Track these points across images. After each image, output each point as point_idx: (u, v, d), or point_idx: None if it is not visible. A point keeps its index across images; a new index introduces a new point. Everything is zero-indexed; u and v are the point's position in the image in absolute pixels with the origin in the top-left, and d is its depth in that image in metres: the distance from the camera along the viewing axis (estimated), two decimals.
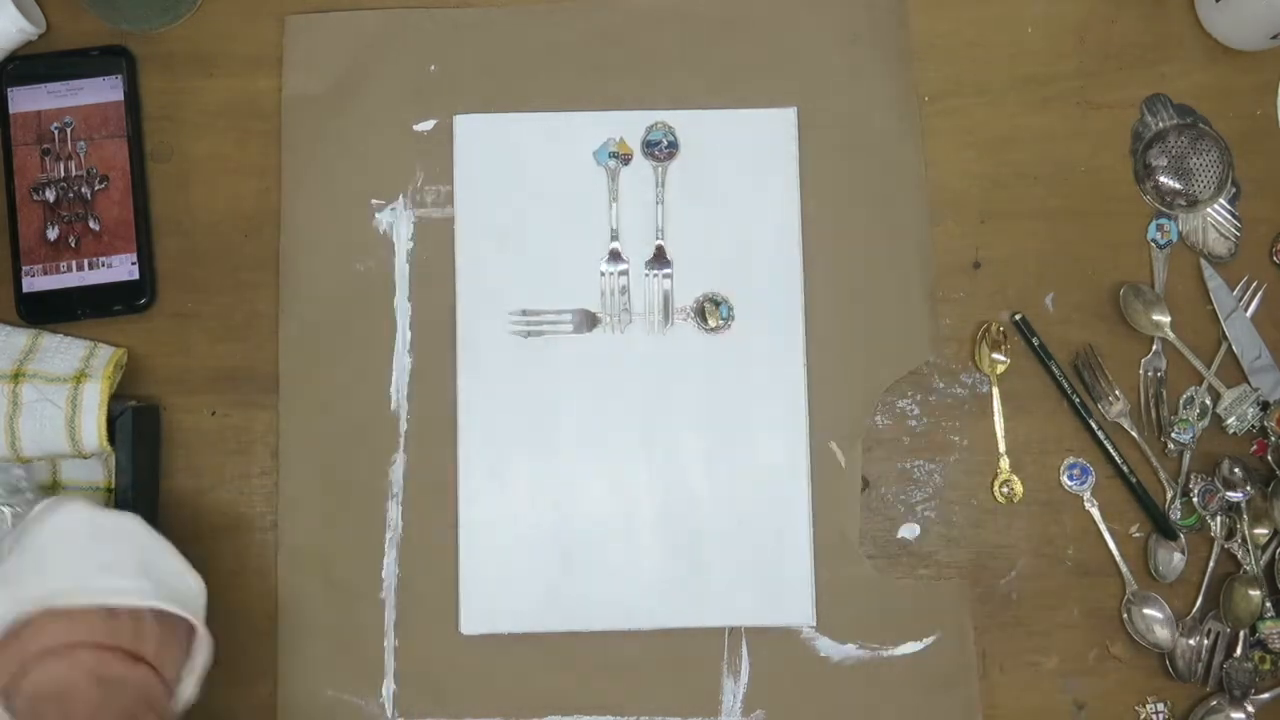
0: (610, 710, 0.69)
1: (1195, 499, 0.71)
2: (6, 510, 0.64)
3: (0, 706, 0.53)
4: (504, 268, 0.72)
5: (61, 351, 0.69)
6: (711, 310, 0.71)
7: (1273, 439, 0.72)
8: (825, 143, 0.73)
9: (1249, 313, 0.73)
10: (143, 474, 0.68)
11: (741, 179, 0.73)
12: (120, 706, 0.53)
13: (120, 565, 0.57)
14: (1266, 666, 0.70)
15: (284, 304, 0.71)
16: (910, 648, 0.70)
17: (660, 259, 0.72)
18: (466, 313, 0.71)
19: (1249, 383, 0.72)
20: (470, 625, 0.69)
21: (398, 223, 0.72)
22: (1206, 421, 0.72)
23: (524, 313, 0.71)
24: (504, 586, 0.69)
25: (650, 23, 0.74)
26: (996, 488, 0.72)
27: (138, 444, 0.68)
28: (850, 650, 0.69)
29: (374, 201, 0.72)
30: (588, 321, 0.71)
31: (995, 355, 0.72)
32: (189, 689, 0.58)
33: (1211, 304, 0.73)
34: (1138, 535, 0.72)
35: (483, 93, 0.73)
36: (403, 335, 0.71)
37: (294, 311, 0.71)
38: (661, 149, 0.72)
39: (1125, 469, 0.71)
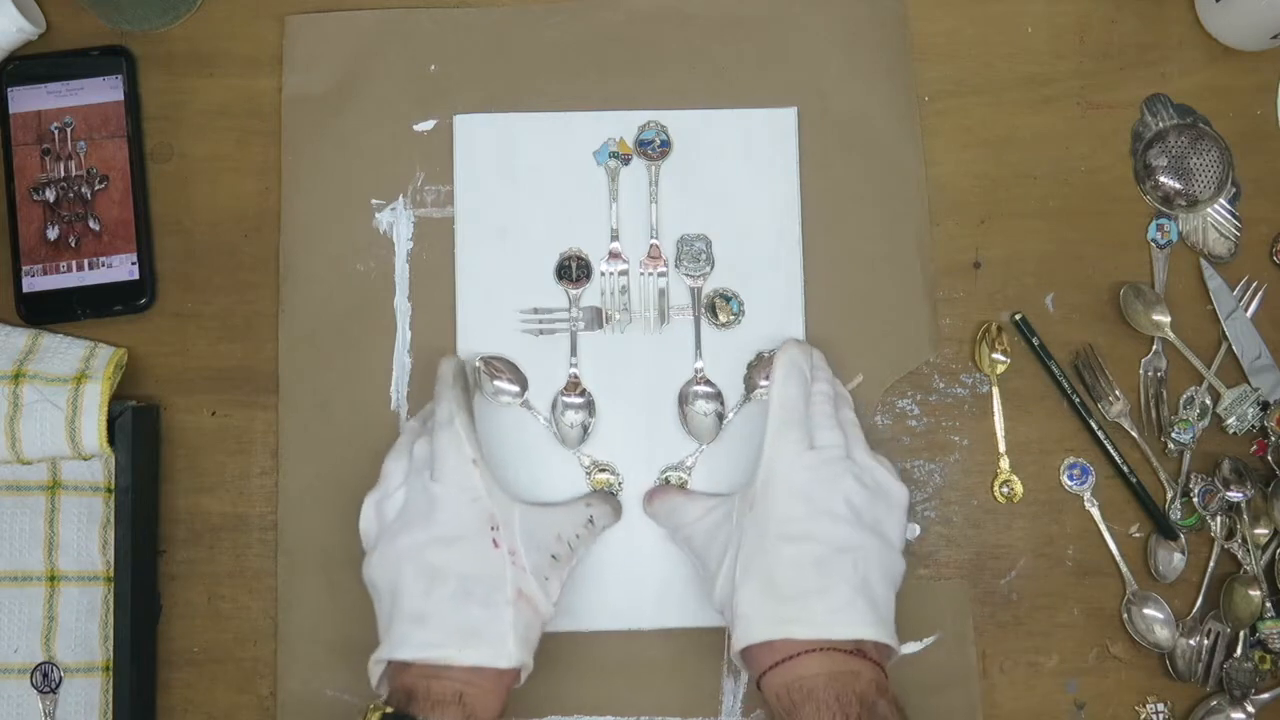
0: (610, 710, 0.69)
1: (1195, 499, 0.71)
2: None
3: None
4: (504, 268, 0.72)
5: (61, 352, 0.69)
6: (722, 305, 0.71)
7: (1273, 439, 0.72)
8: (825, 143, 0.73)
9: (1249, 313, 0.73)
10: (143, 474, 0.68)
11: (741, 179, 0.73)
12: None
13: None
14: (1266, 666, 0.70)
15: (284, 304, 0.71)
16: (910, 648, 0.69)
17: (655, 258, 0.72)
18: (466, 313, 0.71)
19: (1249, 383, 0.72)
20: None
21: (398, 223, 0.72)
22: (1206, 421, 0.72)
23: (535, 310, 0.71)
24: None
25: (650, 23, 0.74)
26: (996, 488, 0.72)
27: (138, 444, 0.68)
28: None
29: (374, 201, 0.72)
30: (597, 319, 0.71)
31: (995, 355, 0.72)
32: None
33: (1211, 304, 0.73)
34: (1138, 535, 0.72)
35: (483, 93, 0.73)
36: (403, 335, 0.71)
37: (294, 311, 0.71)
38: (654, 148, 0.72)
39: (1125, 469, 0.71)
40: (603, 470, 0.70)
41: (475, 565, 0.60)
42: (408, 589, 0.60)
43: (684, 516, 0.66)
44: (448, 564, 0.60)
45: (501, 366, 0.70)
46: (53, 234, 0.71)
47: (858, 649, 0.58)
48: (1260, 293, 0.74)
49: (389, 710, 0.56)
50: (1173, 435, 0.72)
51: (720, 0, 0.74)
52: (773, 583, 0.59)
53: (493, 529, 0.61)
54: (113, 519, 0.68)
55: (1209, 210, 0.74)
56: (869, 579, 0.60)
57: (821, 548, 0.59)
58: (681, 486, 0.70)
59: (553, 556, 0.62)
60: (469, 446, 0.62)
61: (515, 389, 0.70)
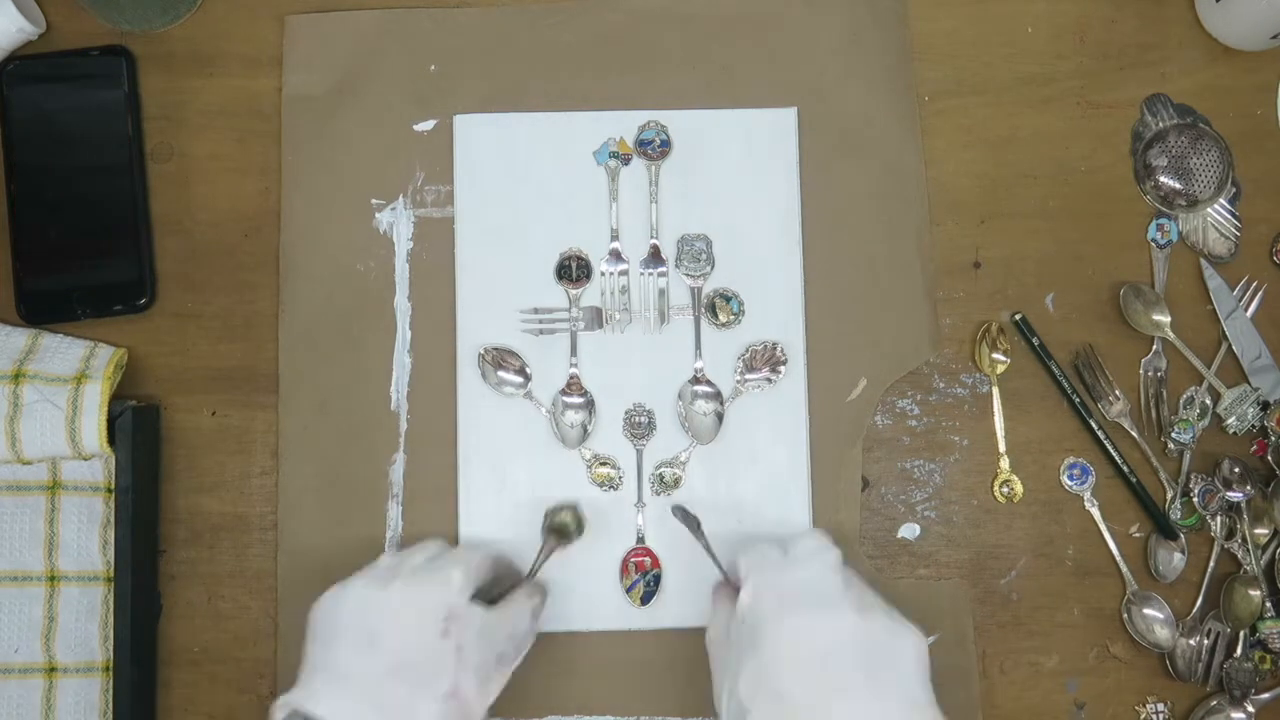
0: (610, 710, 0.69)
1: (1195, 499, 0.71)
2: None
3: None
4: (504, 267, 0.72)
5: (61, 352, 0.69)
6: (722, 305, 0.71)
7: (1273, 439, 0.72)
8: (825, 143, 0.73)
9: (1249, 313, 0.73)
10: (143, 474, 0.68)
11: (741, 179, 0.73)
12: None
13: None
14: (1267, 666, 0.70)
15: (284, 304, 0.71)
16: None
17: (655, 258, 0.72)
18: (466, 313, 0.71)
19: (1249, 383, 0.72)
20: None
21: (398, 222, 0.72)
22: (1206, 421, 0.72)
23: (535, 310, 0.71)
24: None
25: (650, 23, 0.74)
26: (996, 488, 0.72)
27: (138, 444, 0.68)
28: None
29: (374, 201, 0.72)
30: (597, 319, 0.71)
31: (995, 355, 0.72)
32: None
33: (1211, 304, 0.73)
34: (1138, 535, 0.72)
35: (483, 93, 0.73)
36: (403, 335, 0.71)
37: (294, 311, 0.71)
38: (654, 148, 0.72)
39: (1125, 469, 0.71)
40: (604, 464, 0.70)
41: (415, 646, 0.58)
42: (342, 640, 0.58)
43: (714, 617, 0.64)
44: (388, 634, 0.58)
45: (507, 357, 0.70)
46: (53, 234, 0.71)
47: None
48: (1260, 293, 0.74)
49: None
50: (1173, 435, 0.72)
51: (720, 0, 0.74)
52: (780, 697, 0.55)
53: (446, 619, 0.59)
54: (113, 519, 0.68)
55: (1209, 210, 0.74)
56: (887, 671, 0.56)
57: (823, 648, 0.56)
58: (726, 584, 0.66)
59: (498, 656, 0.61)
60: (475, 559, 0.62)
61: (519, 380, 0.70)
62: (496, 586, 0.65)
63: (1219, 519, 0.71)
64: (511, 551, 0.68)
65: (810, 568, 0.60)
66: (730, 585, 0.64)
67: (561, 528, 0.68)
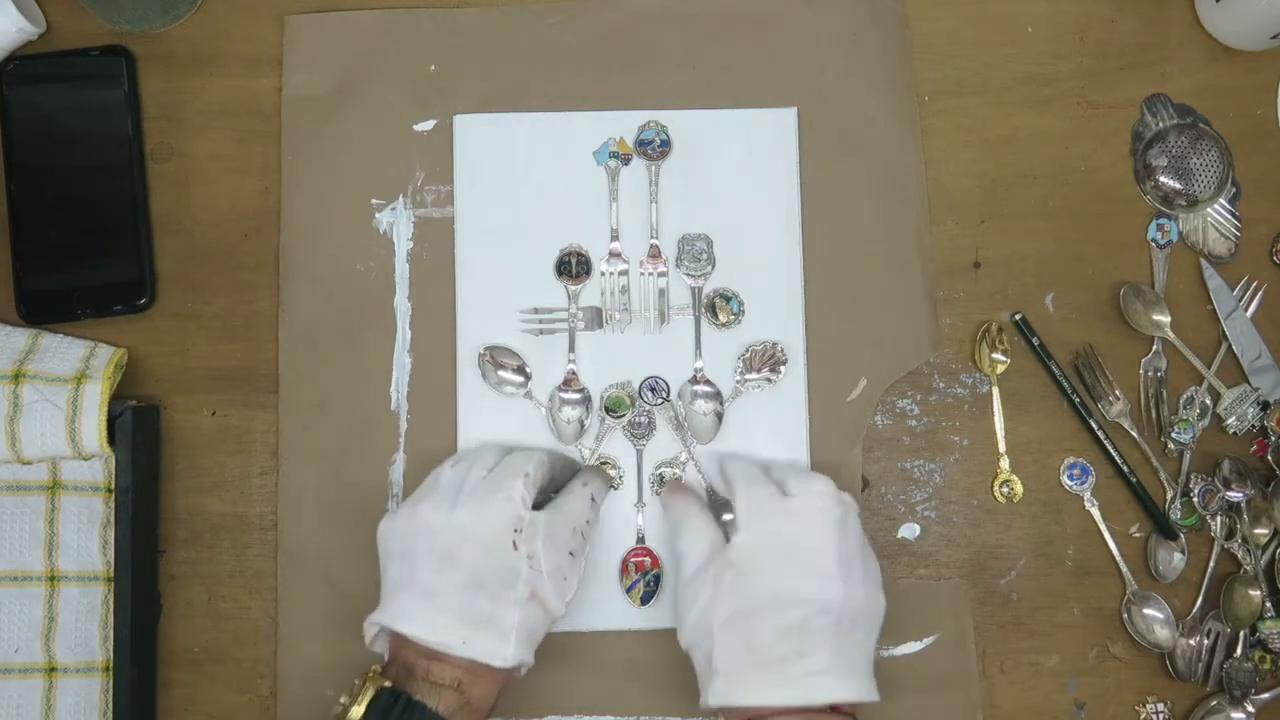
0: (610, 710, 0.69)
1: (1195, 499, 0.71)
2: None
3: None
4: (504, 267, 0.72)
5: (61, 352, 0.69)
6: (722, 305, 0.71)
7: (1273, 439, 0.72)
8: (825, 143, 0.73)
9: (1249, 313, 0.73)
10: (143, 474, 0.68)
11: (741, 179, 0.73)
12: None
13: None
14: (1267, 666, 0.70)
15: (284, 304, 0.71)
16: (910, 648, 0.70)
17: (655, 258, 0.72)
18: (466, 313, 0.71)
19: (1249, 383, 0.72)
20: None
21: (398, 222, 0.72)
22: (1206, 421, 0.72)
23: (535, 310, 0.71)
24: None
25: (650, 23, 0.74)
26: (996, 488, 0.72)
27: (138, 444, 0.68)
28: None
29: (374, 201, 0.72)
30: (597, 319, 0.71)
31: (995, 355, 0.72)
32: None
33: (1211, 304, 0.73)
34: (1138, 535, 0.72)
35: (483, 93, 0.73)
36: (403, 335, 0.71)
37: (294, 311, 0.71)
38: (654, 148, 0.72)
39: (1125, 469, 0.71)
40: (603, 463, 0.70)
41: (490, 560, 0.60)
42: (422, 561, 0.60)
43: (685, 529, 0.66)
44: (462, 552, 0.60)
45: (507, 357, 0.70)
46: (53, 234, 0.71)
47: (832, 706, 0.59)
48: (1260, 293, 0.74)
49: (386, 685, 0.57)
50: (1173, 435, 0.72)
51: (720, 0, 0.74)
52: (753, 647, 0.60)
53: (516, 531, 0.61)
54: (113, 519, 0.68)
55: (1209, 210, 0.74)
56: (853, 634, 0.61)
57: (806, 610, 0.60)
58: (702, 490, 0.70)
59: (570, 553, 0.63)
60: (533, 467, 0.63)
61: (520, 379, 0.70)
62: (553, 484, 0.67)
63: (1219, 519, 0.71)
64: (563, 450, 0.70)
65: (811, 524, 0.62)
66: (711, 499, 0.68)
67: (615, 403, 0.69)
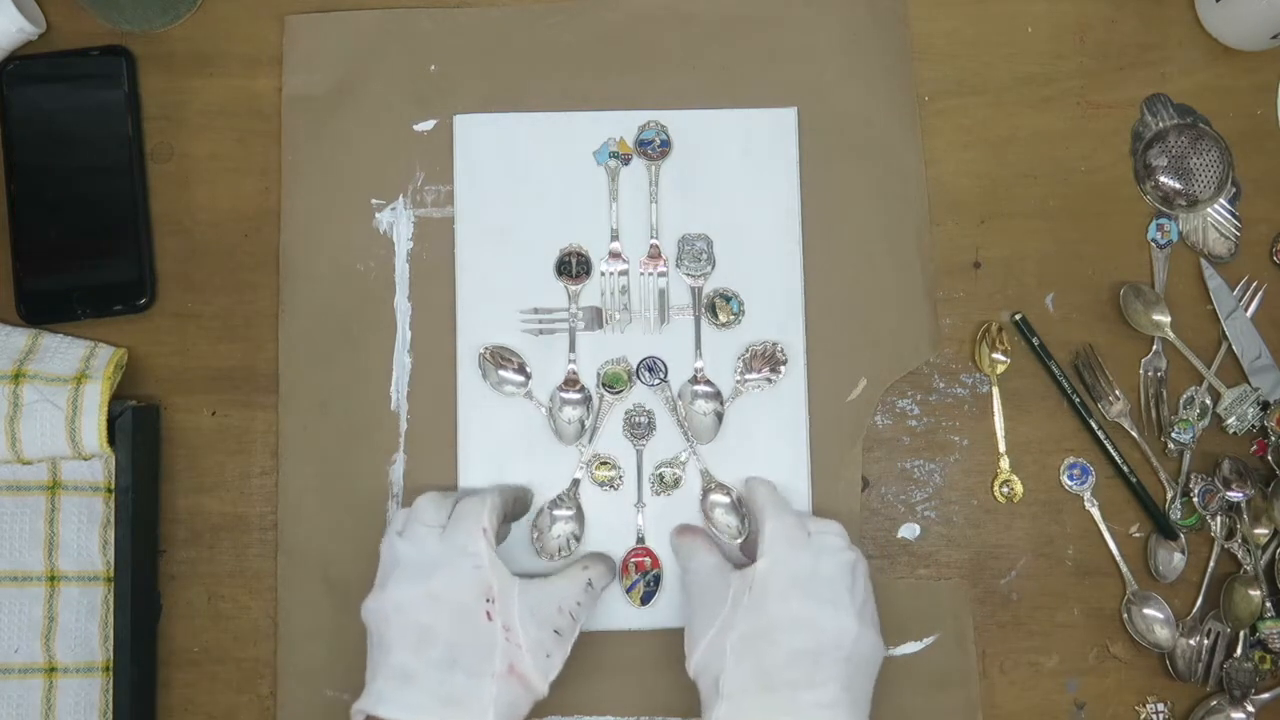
0: (610, 710, 0.69)
1: (1195, 499, 0.71)
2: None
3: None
4: (504, 267, 0.72)
5: (61, 352, 0.69)
6: (722, 305, 0.71)
7: (1273, 439, 0.72)
8: (825, 143, 0.73)
9: (1249, 313, 0.73)
10: (143, 474, 0.68)
11: (741, 179, 0.73)
12: None
13: None
14: (1267, 666, 0.71)
15: (284, 304, 0.71)
16: (910, 648, 0.70)
17: (655, 258, 0.72)
18: (466, 313, 0.71)
19: (1249, 383, 0.72)
20: None
21: (398, 222, 0.72)
22: (1206, 421, 0.72)
23: (535, 310, 0.71)
24: None
25: (650, 23, 0.74)
26: (996, 488, 0.72)
27: (138, 444, 0.68)
28: None
29: (374, 201, 0.72)
30: (597, 319, 0.71)
31: (995, 355, 0.72)
32: None
33: (1211, 304, 0.73)
34: (1138, 535, 0.72)
35: (483, 93, 0.73)
36: (403, 335, 0.71)
37: (294, 311, 0.71)
38: (654, 148, 0.72)
39: (1125, 469, 0.71)
40: (603, 464, 0.70)
41: (465, 633, 0.60)
42: (396, 642, 0.60)
43: (697, 563, 0.66)
44: (437, 626, 0.59)
45: (508, 356, 0.70)
46: (53, 234, 0.71)
47: None
48: (1260, 293, 0.74)
49: None
50: (1173, 435, 0.72)
51: (720, 0, 0.74)
52: (764, 670, 0.59)
53: (488, 600, 0.60)
54: (113, 519, 0.68)
55: (1209, 210, 0.74)
56: (859, 676, 0.60)
57: (821, 639, 0.59)
58: (704, 528, 0.69)
59: (555, 631, 0.62)
60: (487, 517, 0.62)
61: (520, 379, 0.70)
62: (511, 517, 0.67)
63: (1219, 519, 0.71)
64: (512, 479, 0.70)
65: (830, 562, 0.62)
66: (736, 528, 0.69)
67: (613, 379, 0.68)
